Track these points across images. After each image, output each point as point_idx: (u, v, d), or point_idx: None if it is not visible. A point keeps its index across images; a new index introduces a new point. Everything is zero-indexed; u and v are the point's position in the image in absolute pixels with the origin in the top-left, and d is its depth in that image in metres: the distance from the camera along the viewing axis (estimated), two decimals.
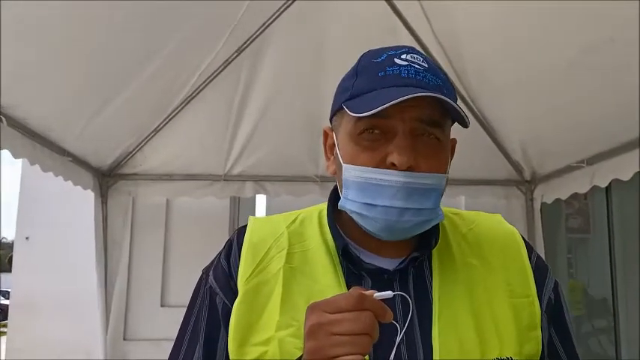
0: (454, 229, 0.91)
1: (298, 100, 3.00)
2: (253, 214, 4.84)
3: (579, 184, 3.04)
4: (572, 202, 4.32)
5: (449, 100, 0.76)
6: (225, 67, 2.90)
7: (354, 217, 0.81)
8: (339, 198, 0.86)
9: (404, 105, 0.74)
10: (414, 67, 0.80)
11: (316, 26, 2.74)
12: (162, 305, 4.02)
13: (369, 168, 0.78)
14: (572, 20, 2.12)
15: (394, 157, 0.76)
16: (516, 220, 3.53)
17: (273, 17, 2.71)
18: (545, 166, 3.37)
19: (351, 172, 0.79)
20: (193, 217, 3.99)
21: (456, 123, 0.82)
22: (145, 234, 4.00)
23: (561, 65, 2.38)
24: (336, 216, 0.89)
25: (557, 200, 3.39)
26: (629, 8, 1.87)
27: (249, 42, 2.80)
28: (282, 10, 2.67)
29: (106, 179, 3.36)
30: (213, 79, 2.95)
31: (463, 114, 0.78)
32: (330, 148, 0.89)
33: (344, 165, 0.81)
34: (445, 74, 0.85)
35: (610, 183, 2.83)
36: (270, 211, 4.36)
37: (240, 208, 4.36)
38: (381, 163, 0.77)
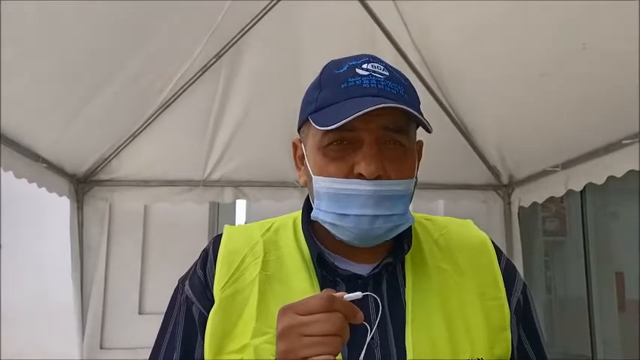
0: (426, 234, 0.93)
1: (277, 104, 2.99)
2: (233, 220, 4.81)
3: (555, 188, 3.09)
4: (549, 206, 4.38)
5: (409, 110, 0.77)
6: (203, 72, 2.88)
7: (327, 226, 0.82)
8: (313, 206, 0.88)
9: (368, 115, 0.75)
10: (375, 76, 0.81)
11: (295, 31, 2.74)
12: (140, 313, 3.96)
13: (339, 179, 0.79)
14: (546, 30, 2.16)
15: (362, 168, 0.77)
16: (495, 224, 3.58)
17: (252, 23, 2.71)
18: (522, 171, 3.42)
19: (321, 184, 0.81)
20: (172, 224, 3.95)
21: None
22: (122, 241, 3.95)
23: (536, 73, 2.42)
24: (310, 223, 0.90)
25: (534, 204, 3.44)
26: (600, 20, 1.92)
27: (227, 47, 2.79)
28: (261, 15, 2.67)
29: (82, 185, 3.31)
30: (191, 84, 2.93)
31: (425, 121, 0.79)
32: (299, 159, 0.90)
33: (314, 177, 0.82)
34: (407, 80, 0.86)
35: (585, 187, 2.89)
36: (250, 216, 4.34)
37: (220, 213, 4.32)
38: (350, 174, 0.79)
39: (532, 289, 4.31)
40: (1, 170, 2.43)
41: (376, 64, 0.83)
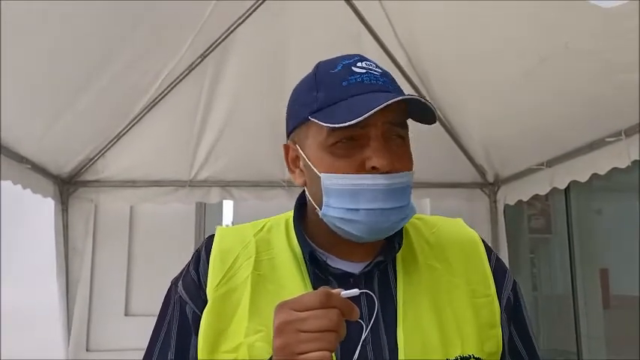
0: (417, 233, 0.94)
1: (264, 104, 2.98)
2: (220, 221, 4.77)
3: (540, 185, 3.12)
4: (534, 204, 4.42)
5: (426, 101, 0.79)
6: (189, 72, 2.86)
7: (337, 222, 0.82)
8: (305, 205, 0.90)
9: (377, 111, 0.76)
10: (372, 73, 0.84)
11: (281, 31, 2.74)
12: (126, 314, 3.92)
13: (351, 175, 0.80)
14: (530, 29, 2.18)
15: (375, 161, 0.78)
16: (481, 222, 3.60)
17: (237, 23, 2.70)
18: (507, 169, 3.45)
19: (332, 181, 0.81)
20: (158, 224, 3.92)
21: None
22: (108, 242, 3.90)
23: (519, 72, 2.44)
24: (302, 222, 0.91)
25: (520, 201, 3.47)
26: (583, 19, 1.94)
27: (213, 47, 2.78)
28: (246, 15, 2.67)
29: (67, 186, 3.28)
30: (177, 84, 2.91)
31: (434, 109, 0.81)
32: (293, 162, 0.90)
33: (322, 174, 0.82)
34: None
35: (569, 184, 2.92)
36: (237, 216, 4.32)
37: (207, 214, 4.30)
38: (361, 169, 0.80)
39: None
40: None
41: (369, 62, 0.86)
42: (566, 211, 4.25)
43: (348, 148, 0.80)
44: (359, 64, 0.85)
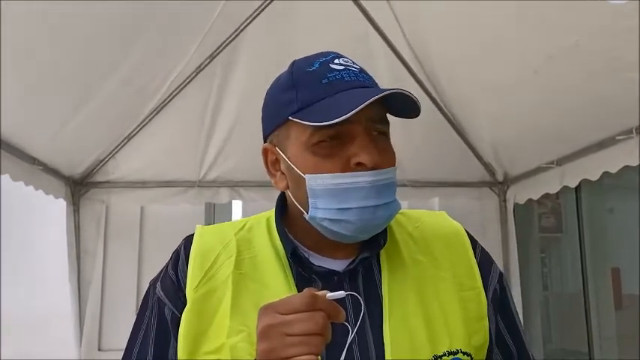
0: (400, 228, 0.93)
1: None
2: (229, 221, 4.78)
3: (550, 184, 3.10)
4: (544, 202, 4.39)
5: (411, 95, 0.78)
6: (197, 73, 2.88)
7: (326, 224, 0.81)
8: (286, 204, 0.89)
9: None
10: (351, 69, 0.82)
11: (288, 31, 2.74)
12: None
13: (338, 174, 0.78)
14: (538, 28, 2.17)
15: (362, 157, 0.77)
16: (490, 221, 3.59)
17: (245, 23, 2.70)
18: (516, 168, 3.43)
19: (319, 181, 0.79)
20: (168, 225, 3.93)
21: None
22: (119, 242, 3.94)
23: (529, 70, 2.43)
24: (283, 221, 0.90)
25: (530, 200, 3.45)
26: (593, 17, 1.93)
27: (221, 48, 2.79)
28: (254, 15, 2.67)
29: (78, 188, 3.30)
30: (186, 85, 2.93)
31: (418, 103, 0.80)
32: (272, 165, 0.89)
33: (307, 176, 0.80)
34: None
35: (580, 183, 2.90)
36: (246, 217, 4.33)
37: (216, 214, 4.32)
38: (346, 167, 0.78)
39: (528, 285, 4.32)
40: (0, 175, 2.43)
41: (345, 59, 0.85)
42: (577, 209, 4.22)
43: (331, 147, 0.79)
44: (336, 60, 0.83)
